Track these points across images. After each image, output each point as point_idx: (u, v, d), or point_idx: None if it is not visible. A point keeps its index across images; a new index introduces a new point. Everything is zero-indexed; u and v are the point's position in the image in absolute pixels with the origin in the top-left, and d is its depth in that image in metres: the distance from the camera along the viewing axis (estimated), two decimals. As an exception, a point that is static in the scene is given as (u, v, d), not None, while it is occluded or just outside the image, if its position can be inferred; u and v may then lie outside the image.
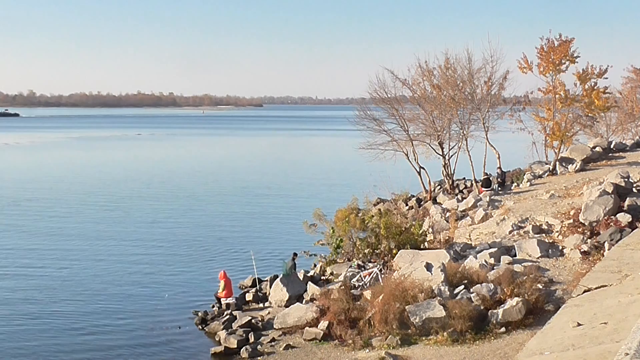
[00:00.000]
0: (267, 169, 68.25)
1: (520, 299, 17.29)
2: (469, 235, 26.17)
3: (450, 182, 39.52)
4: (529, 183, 35.15)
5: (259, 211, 42.06)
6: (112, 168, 67.99)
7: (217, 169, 68.97)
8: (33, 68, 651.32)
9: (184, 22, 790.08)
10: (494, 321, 17.07)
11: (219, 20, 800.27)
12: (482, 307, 17.58)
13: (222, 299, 22.19)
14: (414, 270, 19.55)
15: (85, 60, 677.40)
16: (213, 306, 22.41)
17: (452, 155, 39.63)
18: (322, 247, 27.81)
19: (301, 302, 20.62)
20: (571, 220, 24.19)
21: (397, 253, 22.71)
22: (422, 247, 24.22)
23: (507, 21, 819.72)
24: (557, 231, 24.11)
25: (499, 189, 34.65)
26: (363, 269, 22.26)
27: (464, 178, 44.14)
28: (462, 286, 18.77)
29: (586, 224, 23.46)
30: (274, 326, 19.58)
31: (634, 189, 26.05)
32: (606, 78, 37.28)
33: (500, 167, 37.11)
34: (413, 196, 40.03)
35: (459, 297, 18.10)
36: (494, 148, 37.66)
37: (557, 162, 37.58)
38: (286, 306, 20.79)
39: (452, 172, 39.64)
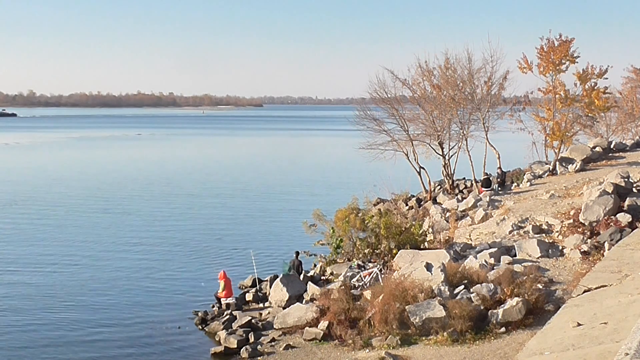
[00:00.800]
0: (267, 169, 68.25)
1: (520, 299, 17.28)
2: (469, 235, 26.16)
3: (450, 182, 39.52)
4: (529, 183, 35.15)
5: (259, 211, 42.06)
6: (112, 168, 68.00)
7: (217, 169, 68.98)
8: (33, 68, 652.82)
9: (184, 22, 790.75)
10: (494, 321, 17.07)
11: (219, 20, 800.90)
12: (482, 307, 17.57)
13: (222, 299, 22.20)
14: (414, 270, 19.55)
15: (85, 60, 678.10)
16: (213, 306, 22.41)
17: (452, 155, 39.64)
18: (322, 247, 27.80)
19: (301, 302, 20.61)
20: (571, 220, 24.18)
21: (397, 253, 22.71)
22: (422, 247, 24.22)
23: (507, 21, 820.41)
24: (557, 231, 24.11)
25: (499, 189, 34.65)
26: (363, 269, 22.25)
27: (464, 178, 44.14)
28: (462, 286, 18.77)
29: (586, 224, 23.46)
30: (274, 326, 19.58)
31: (634, 189, 26.05)
32: (606, 78, 37.37)
33: (500, 167, 37.11)
34: (413, 196, 40.02)
35: (459, 297, 18.10)
36: (494, 148, 37.66)
37: (557, 162, 37.60)
38: (286, 306, 20.78)
39: (452, 172, 39.65)
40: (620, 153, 42.18)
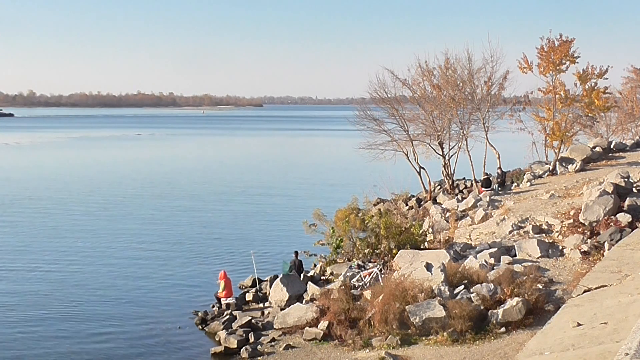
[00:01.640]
0: (267, 169, 68.25)
1: (520, 299, 17.28)
2: (469, 235, 26.16)
3: (450, 182, 39.52)
4: (529, 183, 35.15)
5: (259, 211, 42.06)
6: (112, 168, 68.00)
7: (217, 168, 68.99)
8: (33, 68, 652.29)
9: (184, 22, 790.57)
10: (494, 321, 17.07)
11: (219, 20, 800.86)
12: (482, 307, 17.57)
13: (222, 299, 22.20)
14: (414, 270, 19.55)
15: (85, 60, 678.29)
16: (213, 306, 22.41)
17: (452, 155, 39.64)
18: (322, 247, 27.80)
19: (301, 302, 20.61)
20: (571, 220, 24.18)
21: (397, 253, 22.71)
22: (422, 247, 24.21)
23: (507, 21, 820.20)
24: (557, 231, 24.11)
25: (499, 189, 34.65)
26: (363, 269, 22.24)
27: (464, 178, 44.14)
28: (462, 286, 18.77)
29: (586, 224, 23.46)
30: (274, 326, 19.58)
31: (634, 189, 26.05)
32: (606, 78, 37.36)
33: (500, 167, 37.11)
34: (413, 196, 40.02)
35: (459, 297, 18.10)
36: (494, 148, 37.66)
37: (557, 162, 37.59)
38: (286, 306, 20.78)
39: (452, 172, 39.65)
40: (620, 153, 42.16)
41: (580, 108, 37.68)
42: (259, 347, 18.33)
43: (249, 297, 23.00)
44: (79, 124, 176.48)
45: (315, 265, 26.38)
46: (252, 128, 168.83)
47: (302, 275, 23.56)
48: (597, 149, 40.82)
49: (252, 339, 18.88)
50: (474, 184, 38.10)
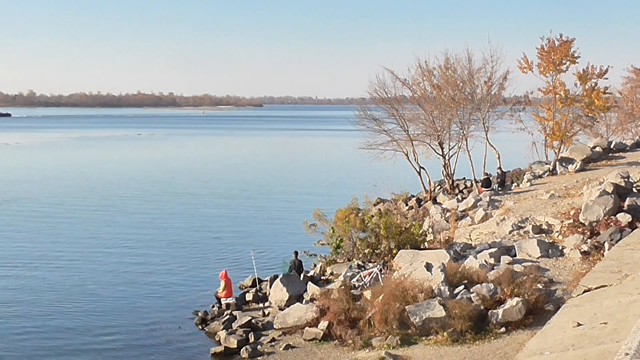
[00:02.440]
0: (267, 169, 68.24)
1: (520, 299, 17.28)
2: (469, 235, 26.16)
3: (450, 182, 39.53)
4: (529, 183, 35.16)
5: (259, 211, 42.05)
6: (112, 168, 67.97)
7: (217, 168, 68.99)
8: (33, 68, 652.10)
9: (184, 22, 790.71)
10: (494, 321, 17.07)
11: (219, 20, 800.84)
12: (482, 307, 17.57)
13: (222, 299, 22.19)
14: (414, 270, 19.55)
15: (85, 60, 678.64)
16: (213, 306, 22.40)
17: (452, 155, 39.65)
18: (322, 247, 27.80)
19: (301, 302, 20.61)
20: (571, 220, 24.18)
21: (397, 253, 22.70)
22: (422, 247, 24.21)
23: (507, 21, 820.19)
24: (557, 231, 24.11)
25: (499, 189, 34.65)
26: (363, 269, 22.24)
27: (464, 178, 44.14)
28: (462, 286, 18.77)
29: (586, 224, 23.46)
30: (274, 326, 19.57)
31: (634, 189, 26.05)
32: (606, 78, 37.37)
33: (500, 167, 37.11)
34: (413, 196, 40.03)
35: (459, 297, 18.10)
36: (494, 148, 37.67)
37: (557, 162, 37.59)
38: (286, 306, 20.78)
39: (452, 172, 39.66)
40: (620, 153, 42.15)
41: (581, 108, 37.69)
42: (259, 347, 18.33)
43: (249, 297, 22.99)
44: (79, 124, 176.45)
45: (315, 265, 26.38)
46: (252, 128, 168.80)
47: (302, 275, 23.55)
48: (597, 149, 40.82)
49: (252, 339, 18.88)
50: (474, 184, 38.11)
